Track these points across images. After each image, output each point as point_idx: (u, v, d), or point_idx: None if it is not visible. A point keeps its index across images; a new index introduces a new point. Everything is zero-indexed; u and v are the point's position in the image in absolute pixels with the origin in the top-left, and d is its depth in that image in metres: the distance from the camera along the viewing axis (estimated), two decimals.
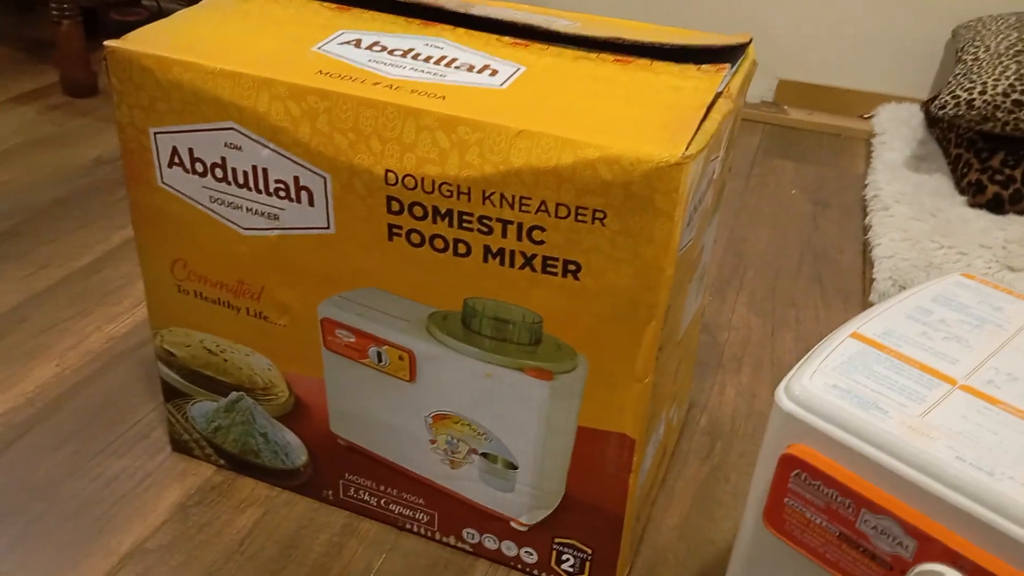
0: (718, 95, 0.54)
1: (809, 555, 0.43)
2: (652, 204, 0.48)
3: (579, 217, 0.50)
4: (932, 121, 1.40)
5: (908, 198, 1.17)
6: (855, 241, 1.16)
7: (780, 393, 0.43)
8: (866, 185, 1.27)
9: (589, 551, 0.61)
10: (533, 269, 0.53)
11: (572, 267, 0.52)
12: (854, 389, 0.42)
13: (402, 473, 0.64)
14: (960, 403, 0.42)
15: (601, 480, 0.58)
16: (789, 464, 0.42)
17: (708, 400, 0.84)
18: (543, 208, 0.50)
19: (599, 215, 0.50)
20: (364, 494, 0.67)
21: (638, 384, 0.54)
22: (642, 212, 0.49)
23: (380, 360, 0.60)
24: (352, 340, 0.60)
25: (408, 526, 0.67)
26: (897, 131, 1.40)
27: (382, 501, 0.66)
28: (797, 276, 1.07)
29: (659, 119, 0.50)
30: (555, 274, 0.52)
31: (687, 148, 0.47)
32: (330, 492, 0.68)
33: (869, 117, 1.54)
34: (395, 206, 0.53)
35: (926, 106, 1.46)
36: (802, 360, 0.45)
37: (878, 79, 1.56)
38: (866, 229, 1.16)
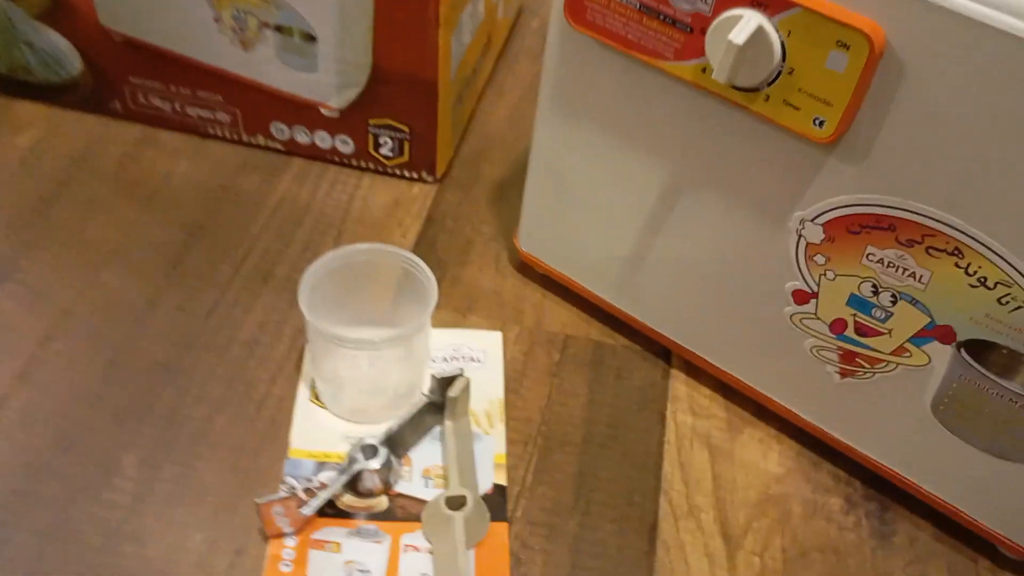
0: None
1: (611, 41, 0.40)
2: None
3: None
4: None
5: None
6: None
7: None
8: None
9: (406, 129, 0.58)
10: None
11: None
12: None
13: (192, 66, 0.57)
14: None
15: (408, 42, 0.53)
16: None
17: (539, 6, 0.79)
18: None
19: None
20: (156, 99, 0.60)
21: None
22: None
23: None
24: None
25: (211, 131, 0.61)
26: None
27: (177, 105, 0.60)
28: None
29: None
30: None
31: None
32: (118, 103, 0.61)
33: None
34: None
35: None
36: None
37: None
38: None
